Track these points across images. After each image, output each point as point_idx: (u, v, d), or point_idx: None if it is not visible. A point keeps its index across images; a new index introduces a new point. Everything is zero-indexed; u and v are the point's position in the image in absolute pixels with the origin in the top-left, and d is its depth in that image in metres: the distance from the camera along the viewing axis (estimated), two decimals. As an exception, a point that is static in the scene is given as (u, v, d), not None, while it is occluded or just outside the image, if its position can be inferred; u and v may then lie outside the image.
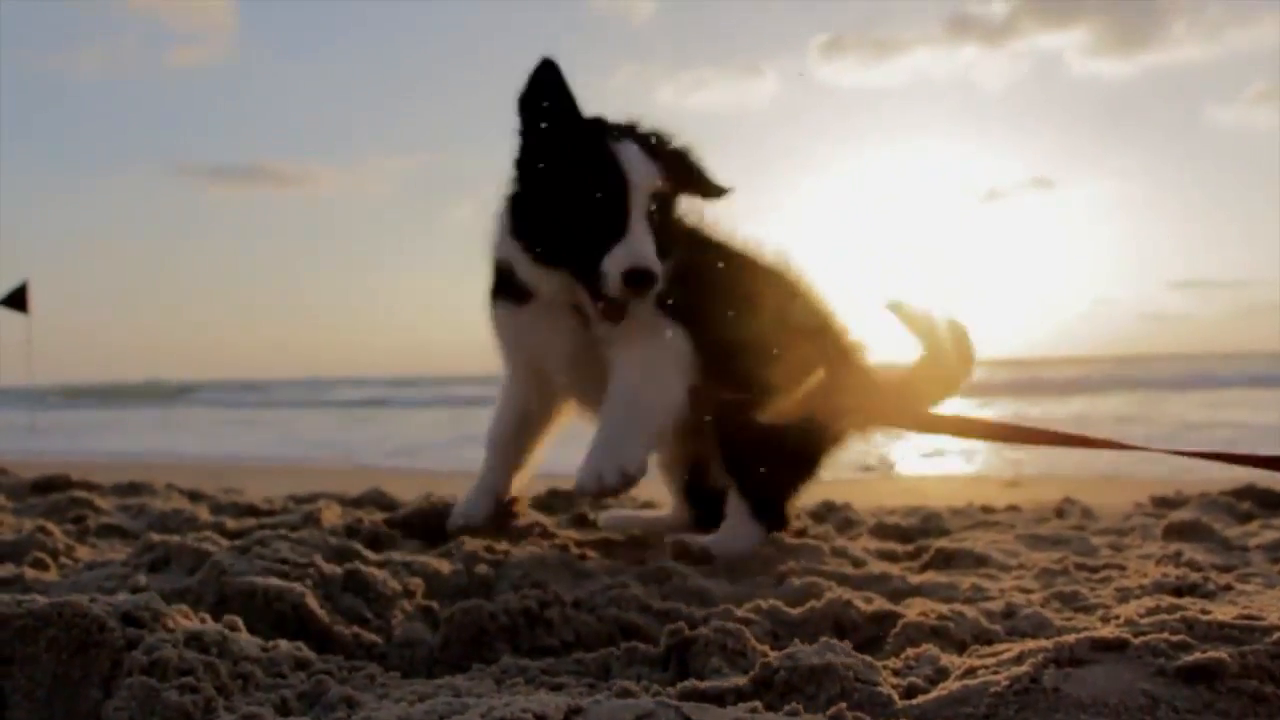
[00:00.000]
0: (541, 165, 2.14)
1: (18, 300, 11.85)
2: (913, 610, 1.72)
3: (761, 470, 2.34)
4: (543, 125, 2.12)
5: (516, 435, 2.53)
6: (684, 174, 2.22)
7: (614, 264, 2.03)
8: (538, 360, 2.37)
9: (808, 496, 2.82)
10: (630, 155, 2.09)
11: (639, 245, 2.04)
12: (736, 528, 2.36)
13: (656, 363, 2.23)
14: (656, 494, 3.50)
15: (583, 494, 2.17)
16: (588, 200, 2.06)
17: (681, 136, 2.24)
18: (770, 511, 2.42)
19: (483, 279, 2.38)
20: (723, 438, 2.34)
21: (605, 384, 2.24)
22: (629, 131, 2.17)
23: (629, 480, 2.13)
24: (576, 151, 2.11)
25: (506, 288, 2.31)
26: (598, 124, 2.16)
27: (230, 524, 2.76)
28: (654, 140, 2.18)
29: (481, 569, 2.11)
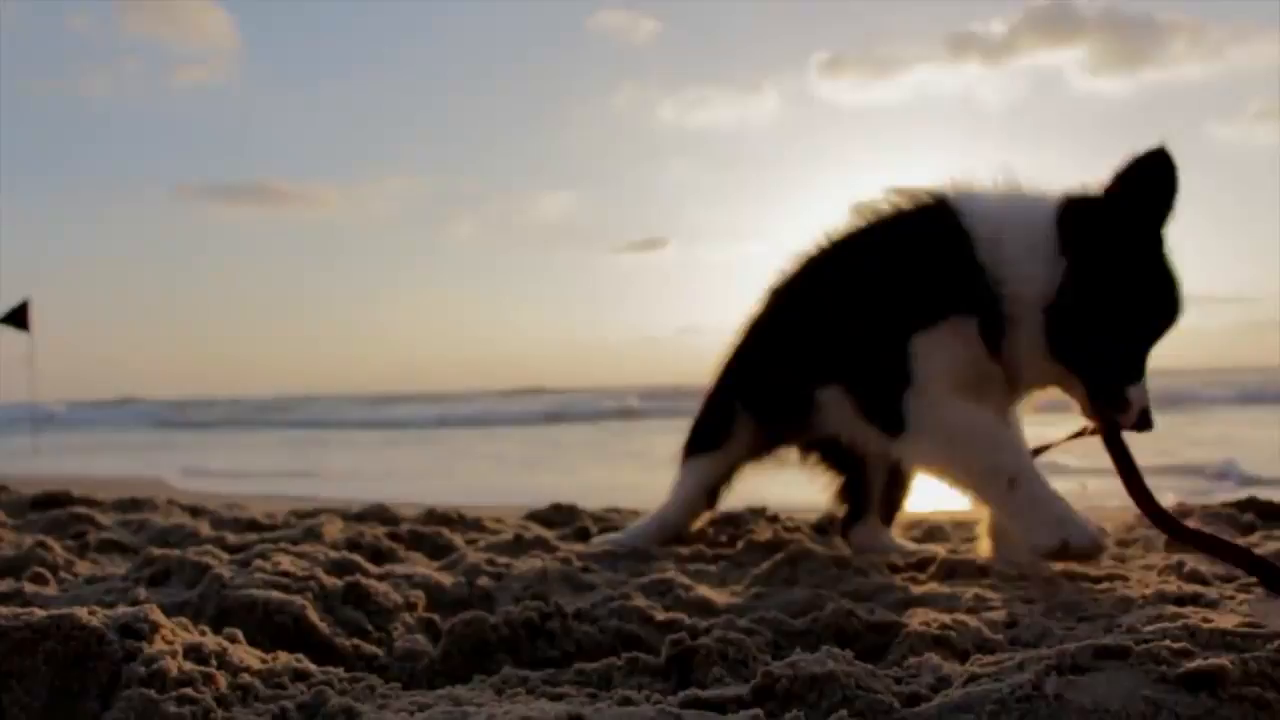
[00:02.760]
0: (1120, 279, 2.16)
1: (19, 318, 11.87)
2: (915, 620, 1.71)
3: None
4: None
5: None
6: None
7: (1137, 398, 2.15)
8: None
9: (811, 510, 2.82)
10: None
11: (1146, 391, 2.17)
12: None
13: None
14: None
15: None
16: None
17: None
18: None
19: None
20: None
21: None
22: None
23: None
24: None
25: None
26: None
27: (231, 539, 2.76)
28: None
29: (483, 581, 2.11)
